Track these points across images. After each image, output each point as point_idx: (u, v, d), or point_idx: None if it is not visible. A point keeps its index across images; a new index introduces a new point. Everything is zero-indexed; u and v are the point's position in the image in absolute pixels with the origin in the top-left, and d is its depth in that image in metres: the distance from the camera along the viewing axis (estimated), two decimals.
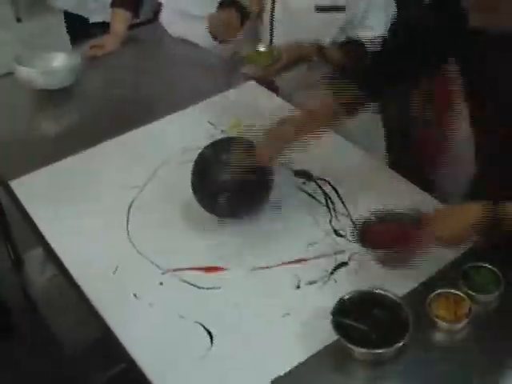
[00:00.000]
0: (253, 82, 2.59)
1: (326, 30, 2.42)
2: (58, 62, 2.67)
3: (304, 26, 2.41)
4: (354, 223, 1.89)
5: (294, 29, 2.43)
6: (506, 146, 1.75)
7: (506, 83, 1.67)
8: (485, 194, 1.66)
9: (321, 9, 2.36)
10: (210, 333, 1.65)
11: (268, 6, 2.48)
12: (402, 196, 2.00)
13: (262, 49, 2.42)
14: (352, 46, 2.41)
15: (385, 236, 1.76)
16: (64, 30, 3.44)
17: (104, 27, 2.95)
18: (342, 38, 2.44)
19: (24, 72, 2.53)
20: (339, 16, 2.38)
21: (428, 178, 2.55)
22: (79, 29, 3.24)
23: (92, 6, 3.10)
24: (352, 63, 2.38)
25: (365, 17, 2.39)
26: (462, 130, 2.44)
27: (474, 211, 1.61)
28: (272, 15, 2.48)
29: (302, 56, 2.38)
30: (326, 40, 2.41)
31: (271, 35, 2.51)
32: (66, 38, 3.39)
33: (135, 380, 1.62)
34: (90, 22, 3.15)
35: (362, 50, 2.35)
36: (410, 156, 2.66)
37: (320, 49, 2.38)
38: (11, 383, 2.71)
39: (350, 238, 1.85)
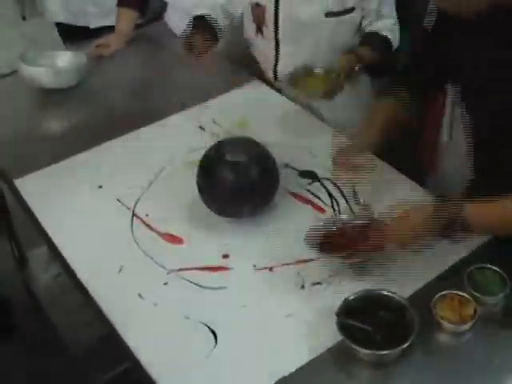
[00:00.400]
0: (257, 81, 2.60)
1: (339, 34, 2.40)
2: (63, 61, 2.67)
3: (314, 33, 2.37)
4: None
5: (302, 38, 2.40)
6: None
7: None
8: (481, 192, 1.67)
9: (331, 14, 2.33)
10: (214, 333, 1.65)
11: (270, 19, 2.42)
12: (408, 197, 2.00)
13: (317, 71, 2.37)
14: (375, 39, 2.41)
15: (337, 241, 1.80)
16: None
17: (104, 32, 2.91)
18: (357, 37, 2.44)
19: (29, 71, 2.53)
20: (349, 17, 2.36)
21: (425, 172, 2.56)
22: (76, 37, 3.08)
23: (92, 10, 3.05)
24: (382, 57, 2.40)
25: (379, 8, 2.38)
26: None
27: (423, 213, 1.66)
28: (276, 27, 2.42)
29: (351, 69, 2.36)
30: (339, 44, 2.41)
31: (277, 48, 2.48)
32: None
33: (139, 379, 1.62)
34: (91, 27, 3.09)
35: (387, 40, 2.40)
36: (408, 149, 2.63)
37: (357, 55, 2.36)
38: (13, 382, 2.71)
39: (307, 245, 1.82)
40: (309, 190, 2.07)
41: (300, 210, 2.01)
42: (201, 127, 2.36)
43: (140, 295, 1.76)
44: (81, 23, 3.08)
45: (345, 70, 2.32)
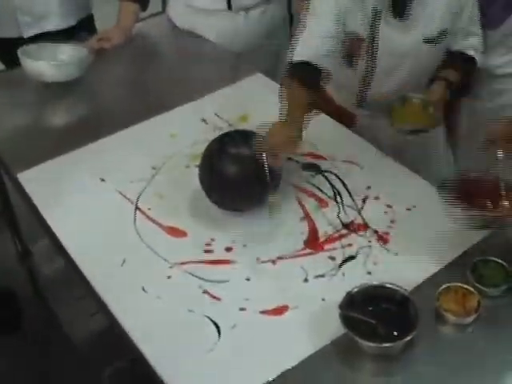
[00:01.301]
0: (259, 74, 2.59)
1: (436, 59, 2.22)
2: (66, 55, 2.66)
3: (410, 60, 2.18)
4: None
5: (397, 66, 2.21)
6: None
7: None
8: None
9: (429, 41, 2.14)
10: (217, 326, 1.65)
11: (363, 50, 2.18)
12: (411, 189, 2.01)
13: (415, 100, 2.13)
14: (461, 59, 2.23)
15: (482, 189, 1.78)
16: None
17: (38, 40, 2.79)
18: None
19: (31, 64, 2.53)
20: (444, 40, 2.17)
21: None
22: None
23: (24, 20, 2.97)
24: (466, 79, 2.26)
25: (469, 25, 2.20)
26: None
27: None
28: (373, 59, 2.18)
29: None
30: (430, 68, 2.24)
31: (365, 77, 2.26)
32: None
33: (142, 372, 1.62)
34: (25, 36, 2.88)
35: (472, 60, 2.23)
36: None
37: (447, 81, 2.17)
38: (17, 374, 2.71)
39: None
40: (312, 183, 2.07)
41: (302, 203, 2.00)
42: (203, 120, 2.35)
43: (143, 288, 1.75)
44: (13, 34, 2.91)
45: (442, 98, 2.16)
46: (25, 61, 2.52)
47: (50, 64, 2.53)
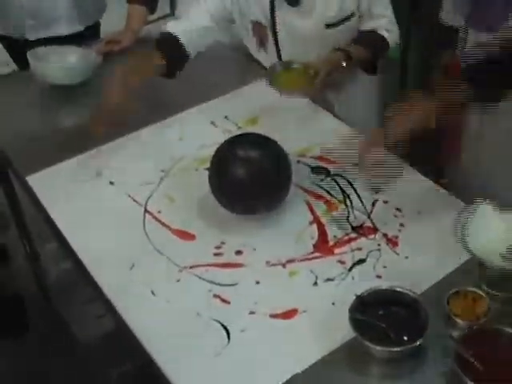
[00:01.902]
0: None
1: (341, 42, 2.36)
2: (74, 58, 2.66)
3: (316, 45, 2.36)
4: None
5: (304, 51, 2.37)
6: None
7: None
8: None
9: (332, 25, 2.33)
10: (227, 330, 1.65)
11: (268, 35, 2.42)
12: (420, 192, 2.00)
13: (295, 66, 2.31)
14: (370, 38, 2.40)
15: None
16: None
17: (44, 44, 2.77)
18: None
19: (40, 67, 2.53)
20: (349, 24, 2.35)
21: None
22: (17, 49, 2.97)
23: (30, 23, 2.98)
24: (378, 55, 2.41)
25: (370, 8, 2.36)
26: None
27: None
28: (277, 43, 2.42)
29: (335, 65, 2.31)
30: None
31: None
32: None
33: (150, 376, 1.62)
34: (30, 40, 2.89)
35: (383, 39, 2.39)
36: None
37: (346, 52, 2.32)
38: (24, 376, 2.72)
39: None
40: (321, 186, 2.07)
41: (312, 207, 2.00)
42: (213, 123, 2.35)
43: (152, 292, 1.75)
44: (19, 36, 2.93)
45: (326, 65, 2.27)
46: (34, 63, 2.52)
47: (58, 67, 2.54)
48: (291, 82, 2.29)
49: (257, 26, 2.43)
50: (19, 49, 2.82)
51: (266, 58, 2.51)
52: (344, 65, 2.31)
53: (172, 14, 3.06)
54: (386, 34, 2.41)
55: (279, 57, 2.46)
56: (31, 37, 2.88)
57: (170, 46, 2.33)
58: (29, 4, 2.82)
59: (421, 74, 3.40)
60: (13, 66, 3.05)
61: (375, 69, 2.52)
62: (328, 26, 2.32)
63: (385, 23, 2.40)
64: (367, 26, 2.41)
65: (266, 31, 2.41)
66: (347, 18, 2.33)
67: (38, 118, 2.49)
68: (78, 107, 2.53)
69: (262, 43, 2.48)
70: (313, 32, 2.33)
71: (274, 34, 2.40)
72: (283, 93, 2.27)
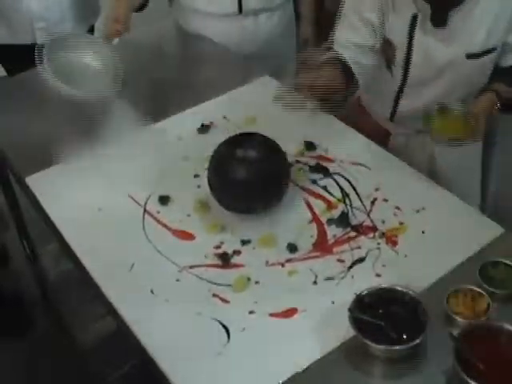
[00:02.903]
0: (267, 77, 2.59)
1: (477, 75, 2.13)
2: (92, 72, 2.61)
3: (450, 75, 2.11)
4: None
5: (435, 78, 2.14)
6: None
7: None
8: None
9: (473, 55, 2.05)
10: (226, 329, 1.65)
11: (400, 59, 2.15)
12: (420, 191, 2.01)
13: (456, 111, 2.01)
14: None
15: None
16: None
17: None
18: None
19: (59, 86, 2.48)
20: (492, 56, 2.08)
21: None
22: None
23: (40, 25, 2.86)
24: None
25: None
26: None
27: None
28: (407, 68, 2.16)
29: (491, 111, 2.06)
30: (474, 84, 2.15)
31: (401, 88, 2.23)
32: None
33: (150, 375, 1.63)
34: (39, 42, 2.82)
35: None
36: None
37: (497, 93, 2.06)
38: (24, 376, 2.72)
39: None
40: (320, 185, 2.07)
41: (311, 205, 2.00)
42: (211, 123, 2.35)
43: (152, 292, 1.76)
44: (27, 41, 2.86)
45: (485, 112, 2.02)
46: (49, 78, 2.35)
47: (76, 90, 2.36)
48: (448, 127, 2.00)
49: (386, 44, 2.17)
50: (16, 55, 2.81)
51: (390, 80, 2.25)
52: (497, 107, 2.07)
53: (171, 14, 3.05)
54: None
55: (404, 80, 2.20)
56: (41, 40, 2.85)
57: None
58: (37, 6, 2.82)
59: None
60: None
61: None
62: (469, 56, 2.05)
63: None
64: (509, 61, 2.12)
65: (394, 52, 2.16)
66: (492, 50, 2.06)
67: (36, 118, 2.48)
68: (77, 108, 2.52)
69: (389, 64, 2.22)
70: (451, 60, 2.07)
71: (408, 55, 2.14)
72: (437, 138, 2.02)
